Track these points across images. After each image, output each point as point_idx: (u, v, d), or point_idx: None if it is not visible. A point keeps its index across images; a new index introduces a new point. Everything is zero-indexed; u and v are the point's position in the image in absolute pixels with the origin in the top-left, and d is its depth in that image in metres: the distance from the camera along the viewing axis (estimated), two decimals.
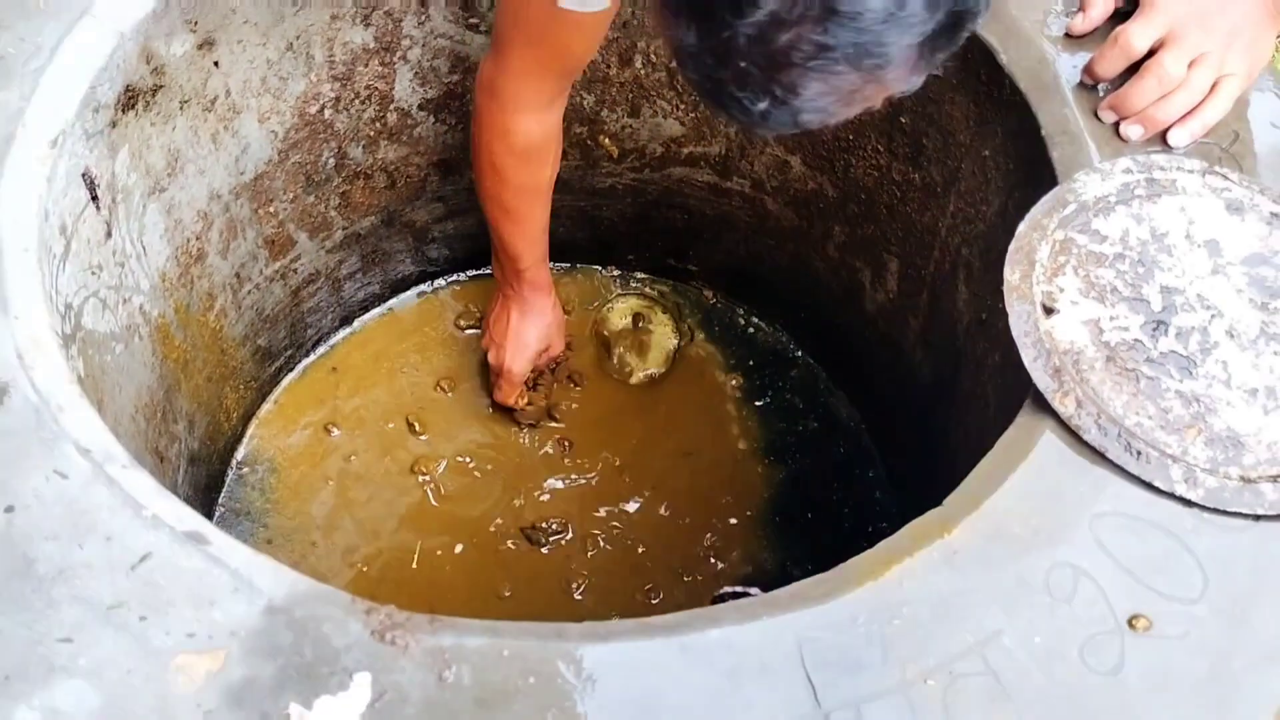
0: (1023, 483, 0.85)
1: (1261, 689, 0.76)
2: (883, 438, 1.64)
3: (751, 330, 1.77)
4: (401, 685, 0.73)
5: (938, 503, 1.32)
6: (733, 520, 1.56)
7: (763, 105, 0.64)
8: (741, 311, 1.78)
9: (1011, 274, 0.92)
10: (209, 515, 1.53)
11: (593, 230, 1.77)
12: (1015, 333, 0.89)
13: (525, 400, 1.60)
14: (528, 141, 1.27)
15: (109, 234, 1.13)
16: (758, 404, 1.69)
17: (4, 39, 1.03)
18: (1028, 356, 0.88)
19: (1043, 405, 0.89)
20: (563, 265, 1.79)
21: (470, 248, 1.76)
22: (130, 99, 1.12)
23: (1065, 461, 0.86)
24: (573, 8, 1.04)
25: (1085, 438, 0.85)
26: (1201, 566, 0.81)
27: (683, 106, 1.53)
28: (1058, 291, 0.91)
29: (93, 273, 1.09)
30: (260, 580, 0.77)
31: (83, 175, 1.06)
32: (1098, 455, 0.85)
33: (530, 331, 1.52)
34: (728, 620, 0.77)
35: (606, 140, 1.61)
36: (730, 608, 0.78)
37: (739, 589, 1.31)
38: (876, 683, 0.74)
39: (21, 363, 0.85)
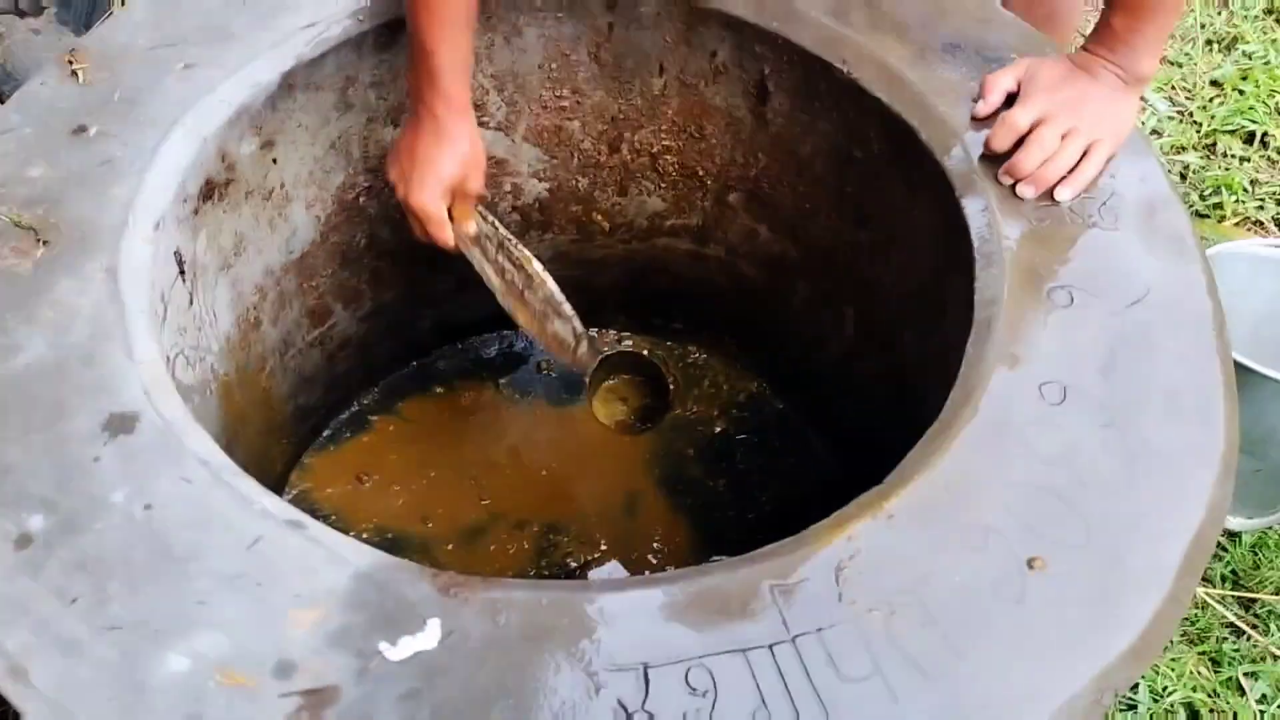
0: (946, 465, 1.07)
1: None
2: (852, 466, 1.86)
3: (731, 378, 2.00)
4: (465, 627, 0.94)
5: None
6: (717, 550, 1.76)
7: None
8: (720, 362, 2.01)
9: None
10: None
11: (586, 298, 2.00)
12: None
13: (577, 347, 1.60)
14: None
15: (191, 302, 1.36)
16: (740, 442, 1.91)
17: (114, 145, 1.27)
18: None
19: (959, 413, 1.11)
20: None
21: (482, 314, 1.99)
22: (209, 190, 1.36)
23: (980, 448, 1.08)
24: None
25: None
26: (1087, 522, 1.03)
27: (664, 186, 1.79)
28: None
29: (180, 333, 1.32)
30: (348, 554, 0.98)
31: (174, 253, 1.29)
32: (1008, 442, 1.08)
33: (444, 159, 1.35)
34: (717, 572, 0.98)
35: (599, 216, 1.85)
36: (719, 564, 0.99)
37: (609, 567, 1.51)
38: (832, 614, 0.95)
39: (148, 397, 1.07)
